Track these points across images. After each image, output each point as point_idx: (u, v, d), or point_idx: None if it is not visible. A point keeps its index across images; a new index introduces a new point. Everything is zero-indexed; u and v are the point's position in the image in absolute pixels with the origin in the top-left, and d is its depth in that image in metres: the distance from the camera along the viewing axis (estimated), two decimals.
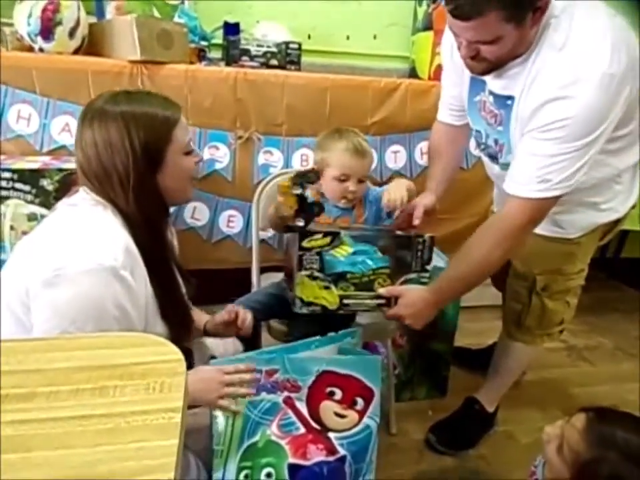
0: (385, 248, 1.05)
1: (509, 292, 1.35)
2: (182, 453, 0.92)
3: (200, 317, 1.11)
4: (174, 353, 0.49)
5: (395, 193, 1.10)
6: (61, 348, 0.49)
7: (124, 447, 0.37)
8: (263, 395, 0.94)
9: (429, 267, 1.08)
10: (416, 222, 1.18)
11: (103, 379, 0.44)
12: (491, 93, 1.06)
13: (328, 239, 1.01)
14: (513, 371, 1.44)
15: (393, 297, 1.07)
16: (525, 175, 0.97)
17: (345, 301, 1.05)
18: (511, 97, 1.00)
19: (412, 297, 1.06)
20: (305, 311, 1.04)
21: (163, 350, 0.49)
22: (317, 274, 1.02)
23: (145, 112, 0.81)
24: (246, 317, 1.06)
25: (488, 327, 1.99)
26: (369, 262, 1.04)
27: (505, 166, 1.10)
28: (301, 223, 1.03)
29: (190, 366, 1.04)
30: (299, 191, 1.03)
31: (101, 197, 0.81)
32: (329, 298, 1.04)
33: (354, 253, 1.03)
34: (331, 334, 1.03)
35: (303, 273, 1.02)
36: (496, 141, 1.12)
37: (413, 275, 1.08)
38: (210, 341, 1.13)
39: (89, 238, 0.75)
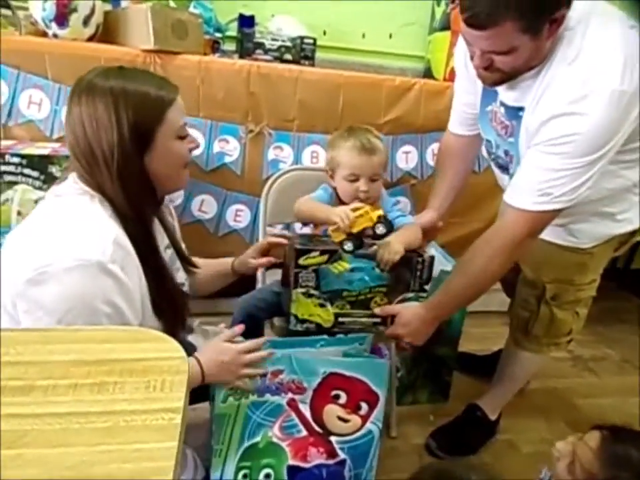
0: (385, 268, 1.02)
1: (518, 299, 1.32)
2: (182, 451, 0.92)
3: (222, 263, 1.14)
4: (176, 350, 0.47)
5: (389, 254, 1.00)
6: (61, 340, 0.48)
7: (122, 448, 0.36)
8: (267, 396, 0.92)
9: (427, 287, 1.06)
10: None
11: (102, 375, 0.43)
12: (502, 104, 1.04)
13: (325, 257, 0.99)
14: (517, 379, 1.42)
15: (389, 316, 1.05)
16: (526, 187, 0.95)
17: (341, 319, 1.04)
18: (522, 109, 0.98)
19: (407, 315, 1.04)
20: (299, 328, 1.04)
21: (165, 346, 0.48)
22: (312, 291, 1.01)
23: (136, 89, 0.76)
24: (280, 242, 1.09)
25: (494, 332, 1.96)
26: (366, 279, 1.02)
27: None
28: (349, 247, 1.00)
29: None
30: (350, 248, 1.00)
31: (89, 184, 0.77)
32: (324, 316, 1.04)
33: (351, 270, 1.01)
34: (340, 335, 1.02)
35: (299, 290, 1.01)
36: (506, 152, 1.10)
37: (411, 295, 1.06)
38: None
39: (75, 232, 0.72)
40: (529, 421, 1.55)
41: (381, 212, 1.03)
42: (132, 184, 0.77)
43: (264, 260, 1.10)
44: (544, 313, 1.26)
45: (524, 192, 0.95)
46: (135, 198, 0.78)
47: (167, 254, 0.94)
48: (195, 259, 1.13)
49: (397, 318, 1.05)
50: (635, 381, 1.81)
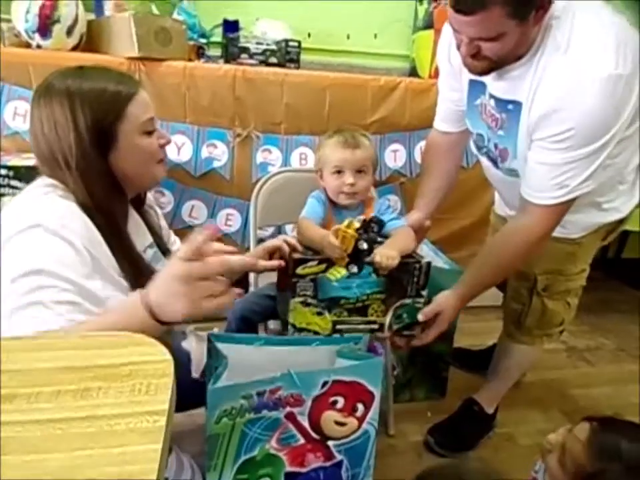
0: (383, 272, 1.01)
1: (510, 292, 1.33)
2: (177, 455, 0.91)
3: None
4: (162, 353, 0.47)
5: (387, 259, 0.98)
6: (47, 347, 0.48)
7: (105, 452, 0.36)
8: (264, 412, 0.91)
9: (423, 293, 1.05)
10: None
11: (87, 380, 0.43)
12: (491, 96, 1.04)
13: (323, 266, 0.98)
14: (512, 372, 1.43)
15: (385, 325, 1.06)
16: (543, 184, 0.96)
17: (338, 327, 1.04)
18: (514, 102, 0.98)
19: (449, 310, 1.07)
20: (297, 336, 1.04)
21: (150, 350, 0.48)
22: (310, 300, 1.00)
23: (92, 86, 0.75)
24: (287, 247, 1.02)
25: (488, 327, 1.97)
26: (363, 287, 1.02)
27: (510, 172, 1.09)
28: (355, 270, 1.00)
29: (183, 363, 1.05)
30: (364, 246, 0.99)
31: (54, 181, 0.76)
32: (322, 324, 1.03)
33: (348, 277, 1.01)
34: (335, 335, 1.02)
35: (297, 299, 1.00)
36: (496, 145, 1.10)
37: (408, 301, 1.05)
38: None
39: (29, 206, 0.72)
40: (526, 413, 1.55)
41: (355, 225, 1.00)
42: (95, 183, 0.76)
43: (275, 262, 1.04)
44: (536, 304, 1.27)
45: (543, 189, 0.97)
46: (100, 196, 0.76)
47: (149, 253, 0.93)
48: None
49: (440, 315, 1.06)
50: (631, 369, 1.82)
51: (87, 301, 0.69)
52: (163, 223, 1.06)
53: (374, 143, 1.66)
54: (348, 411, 0.98)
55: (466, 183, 1.84)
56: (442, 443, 1.38)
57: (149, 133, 0.81)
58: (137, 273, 0.81)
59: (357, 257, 1.00)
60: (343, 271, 1.00)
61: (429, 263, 1.04)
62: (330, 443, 0.98)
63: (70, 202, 0.74)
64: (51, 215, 0.71)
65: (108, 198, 0.78)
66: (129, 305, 0.64)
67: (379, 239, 1.04)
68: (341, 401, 0.96)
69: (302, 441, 0.95)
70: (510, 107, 0.99)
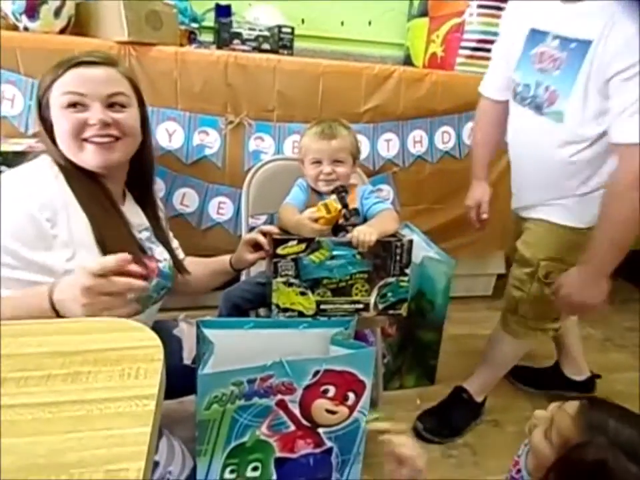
0: (365, 252, 1.03)
1: (512, 279, 1.35)
2: (168, 439, 0.92)
3: (219, 261, 1.15)
4: (151, 338, 0.47)
5: (364, 235, 1.01)
6: (35, 333, 0.48)
7: (94, 435, 0.36)
8: (255, 399, 0.92)
9: (407, 271, 1.07)
10: (484, 216, 1.39)
11: (77, 365, 0.43)
12: (556, 37, 1.09)
13: (303, 246, 1.00)
14: (503, 363, 1.45)
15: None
16: (630, 120, 0.98)
17: (323, 306, 1.05)
18: (580, 41, 1.03)
19: (566, 285, 1.13)
20: (281, 317, 1.04)
21: (140, 335, 0.48)
22: (292, 280, 1.02)
23: (42, 77, 0.82)
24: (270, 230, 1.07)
25: (477, 317, 2.00)
26: (347, 267, 1.03)
27: (555, 115, 1.11)
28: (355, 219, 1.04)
29: (175, 350, 1.06)
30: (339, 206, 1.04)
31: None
32: (305, 304, 1.04)
33: (332, 257, 1.02)
34: (323, 319, 1.02)
35: (279, 279, 1.01)
36: (547, 88, 1.12)
37: (392, 279, 1.06)
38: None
39: (9, 175, 0.79)
40: (513, 401, 1.58)
41: (333, 203, 1.04)
42: (57, 155, 0.82)
43: (261, 254, 1.10)
44: (535, 291, 1.28)
45: (630, 126, 0.99)
46: (63, 168, 0.82)
47: (143, 235, 0.95)
48: (191, 258, 1.15)
49: (560, 291, 1.13)
50: (617, 358, 1.86)
51: (37, 273, 0.73)
52: (162, 214, 1.07)
53: (365, 132, 1.67)
54: (339, 399, 0.99)
55: (457, 173, 1.84)
56: (431, 429, 1.40)
57: (72, 106, 0.80)
58: (120, 239, 0.84)
59: (337, 231, 1.04)
60: (327, 253, 1.01)
61: (410, 241, 1.05)
62: (320, 430, 0.99)
63: (48, 170, 0.81)
64: (22, 184, 0.77)
65: (67, 172, 0.82)
66: (36, 293, 0.67)
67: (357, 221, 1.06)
68: (332, 390, 0.97)
69: (292, 427, 0.96)
70: (573, 45, 1.04)
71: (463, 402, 1.46)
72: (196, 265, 1.14)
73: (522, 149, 1.27)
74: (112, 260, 0.63)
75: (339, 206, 1.04)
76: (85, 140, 0.81)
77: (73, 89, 0.79)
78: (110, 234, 0.82)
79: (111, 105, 0.83)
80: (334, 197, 1.07)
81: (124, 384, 0.41)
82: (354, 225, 1.05)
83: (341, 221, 1.06)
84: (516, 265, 1.33)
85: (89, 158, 0.82)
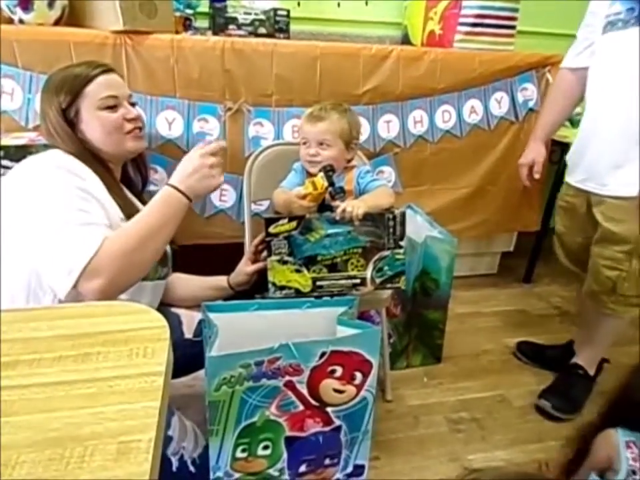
0: (359, 228, 1.04)
1: (601, 261, 1.32)
2: (181, 421, 0.94)
3: (217, 279, 1.19)
4: (158, 319, 0.49)
5: (352, 207, 1.03)
6: (44, 317, 0.49)
7: (106, 410, 0.37)
8: (263, 381, 0.93)
9: (402, 243, 1.08)
10: (537, 176, 1.46)
11: (86, 346, 0.44)
12: None
13: (294, 224, 1.02)
14: (609, 339, 1.46)
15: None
16: None
17: (319, 283, 1.06)
18: None
19: None
20: (278, 294, 1.06)
21: (146, 317, 0.49)
22: (286, 258, 1.03)
23: (61, 76, 0.96)
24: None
25: (481, 295, 2.01)
26: (341, 243, 1.05)
27: None
28: (339, 198, 1.06)
29: (175, 326, 1.09)
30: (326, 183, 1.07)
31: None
32: (301, 281, 1.06)
33: (327, 236, 1.03)
34: (326, 298, 1.04)
35: (273, 258, 1.03)
36: None
37: (387, 252, 1.07)
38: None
39: (33, 159, 0.90)
40: (519, 377, 1.60)
41: (320, 180, 1.06)
42: (75, 151, 0.93)
43: (258, 265, 1.14)
44: (636, 267, 1.26)
45: None
46: (82, 159, 0.93)
47: None
48: (186, 276, 1.21)
49: None
50: (630, 332, 1.85)
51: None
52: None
53: (365, 114, 1.66)
54: (346, 379, 1.00)
55: (459, 152, 1.84)
56: (558, 407, 1.42)
57: (110, 108, 0.97)
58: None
59: (324, 209, 1.07)
60: (322, 232, 1.02)
61: (403, 213, 1.06)
62: (329, 409, 1.00)
63: (66, 156, 0.92)
64: (49, 165, 0.88)
65: (87, 161, 0.94)
66: (160, 199, 0.89)
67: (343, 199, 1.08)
68: (339, 370, 0.98)
69: (301, 407, 0.98)
70: None
71: (579, 377, 1.48)
72: (188, 280, 1.21)
73: (616, 83, 1.24)
74: (215, 144, 0.94)
75: (326, 183, 1.06)
76: (127, 132, 0.99)
77: (109, 92, 0.96)
78: (129, 211, 0.95)
79: (131, 104, 1.03)
80: (321, 174, 1.08)
81: (132, 362, 0.43)
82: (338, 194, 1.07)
83: (327, 198, 1.08)
84: (603, 243, 1.31)
85: (131, 146, 1.01)
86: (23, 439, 0.35)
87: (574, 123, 1.81)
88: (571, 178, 1.41)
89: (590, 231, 1.36)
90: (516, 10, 1.75)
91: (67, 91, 0.94)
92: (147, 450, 0.33)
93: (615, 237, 1.27)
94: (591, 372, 1.49)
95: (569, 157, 1.42)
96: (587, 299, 1.42)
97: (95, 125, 0.96)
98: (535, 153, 1.47)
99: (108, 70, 0.99)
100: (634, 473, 0.85)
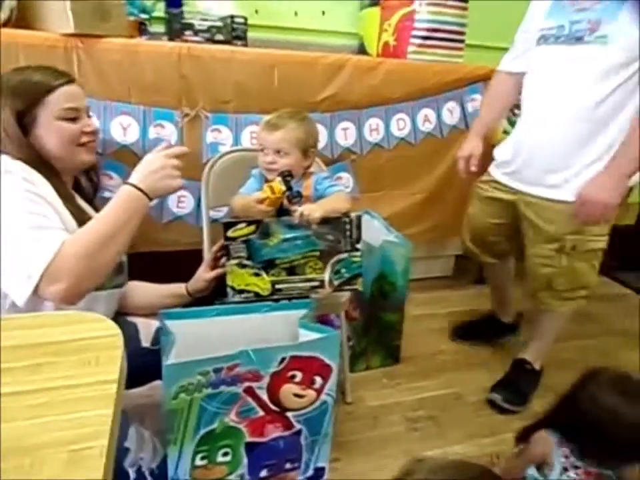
0: (316, 231, 1.07)
1: (537, 260, 1.42)
2: (138, 431, 0.93)
3: (175, 286, 1.18)
4: (111, 328, 0.49)
5: (308, 211, 1.06)
6: None
7: (57, 419, 0.37)
8: (222, 387, 0.93)
9: (359, 246, 1.11)
10: (473, 169, 1.49)
11: (38, 357, 0.44)
12: None
13: (253, 227, 1.03)
14: (552, 333, 1.56)
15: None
16: None
17: (278, 286, 1.08)
18: None
19: (594, 183, 1.24)
20: (237, 298, 1.07)
21: (100, 326, 0.49)
22: (245, 262, 1.05)
23: (19, 80, 0.94)
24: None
25: (437, 297, 2.08)
26: (299, 247, 1.07)
27: (599, 39, 1.19)
28: (297, 202, 1.08)
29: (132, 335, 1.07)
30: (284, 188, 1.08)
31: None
32: (261, 284, 1.07)
33: (285, 240, 1.05)
34: (284, 302, 1.05)
35: (232, 262, 1.04)
36: (588, 21, 1.21)
37: (344, 255, 1.10)
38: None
39: None
40: (472, 375, 1.67)
41: (278, 185, 1.09)
42: (26, 157, 0.91)
43: (218, 271, 1.14)
44: (566, 265, 1.37)
45: None
46: (32, 165, 0.91)
47: None
48: (143, 284, 1.20)
49: (579, 206, 1.26)
50: (569, 328, 1.97)
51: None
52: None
53: (323, 121, 1.69)
54: (306, 383, 1.01)
55: (413, 159, 1.90)
56: (508, 399, 1.50)
57: (70, 120, 0.97)
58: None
59: (282, 214, 1.08)
60: (280, 236, 1.04)
61: (359, 217, 1.09)
62: (289, 413, 1.01)
63: (16, 162, 0.89)
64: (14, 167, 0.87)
65: (40, 170, 0.92)
66: (120, 197, 0.88)
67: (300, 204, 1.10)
68: (299, 375, 0.99)
69: (261, 412, 0.98)
70: None
71: (527, 372, 1.56)
72: (145, 287, 1.20)
73: (548, 95, 1.33)
74: (179, 147, 1.03)
75: (284, 187, 1.08)
76: (82, 144, 0.99)
77: (71, 104, 0.96)
78: (82, 218, 0.93)
79: (88, 116, 1.04)
80: (279, 179, 1.10)
81: (84, 371, 0.43)
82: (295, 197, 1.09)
83: (285, 202, 1.09)
84: (536, 243, 1.41)
85: (84, 158, 1.01)
86: None
87: (512, 123, 1.92)
88: (499, 173, 1.52)
89: (506, 223, 1.52)
90: (464, 25, 1.83)
91: (25, 96, 0.92)
92: (99, 455, 0.34)
93: (545, 235, 1.38)
94: (537, 366, 1.58)
95: (499, 153, 1.53)
96: (529, 298, 1.53)
97: (52, 134, 0.95)
98: (472, 147, 1.52)
99: (70, 80, 0.99)
100: (566, 469, 0.92)
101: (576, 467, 0.92)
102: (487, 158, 1.55)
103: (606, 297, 2.19)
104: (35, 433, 0.36)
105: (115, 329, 0.49)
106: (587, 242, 1.35)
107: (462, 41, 1.86)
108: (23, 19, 1.44)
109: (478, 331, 1.85)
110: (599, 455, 0.90)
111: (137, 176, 0.91)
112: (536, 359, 1.58)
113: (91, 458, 0.34)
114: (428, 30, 1.78)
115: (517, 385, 1.55)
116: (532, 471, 0.98)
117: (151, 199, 0.91)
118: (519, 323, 1.86)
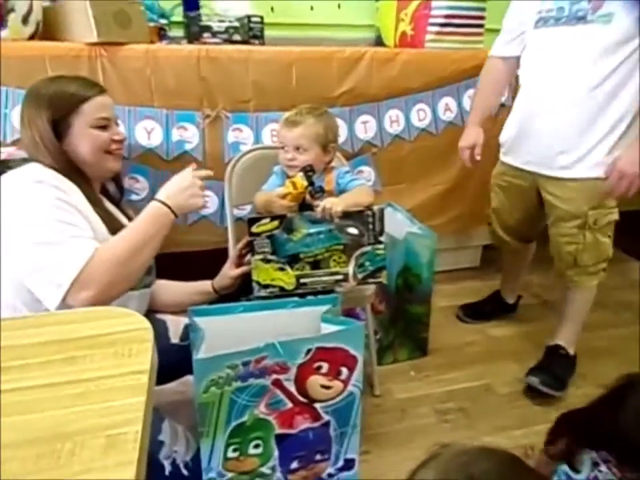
0: (340, 226, 1.08)
1: (559, 239, 1.44)
2: (171, 425, 0.96)
3: (202, 284, 1.21)
4: (141, 322, 0.51)
5: (331, 204, 1.07)
6: (32, 325, 0.51)
7: (93, 407, 0.39)
8: (251, 380, 0.95)
9: (382, 239, 1.11)
10: (477, 158, 1.48)
11: (72, 350, 0.46)
12: None
13: (276, 223, 1.05)
14: (582, 313, 1.55)
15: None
16: None
17: (303, 280, 1.09)
18: None
19: (626, 154, 1.23)
20: (263, 293, 1.08)
21: (130, 320, 0.51)
22: (270, 257, 1.06)
23: (55, 90, 0.98)
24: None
25: (464, 288, 2.05)
26: (322, 241, 1.08)
27: (602, 17, 1.19)
28: (319, 197, 1.09)
29: (162, 332, 1.10)
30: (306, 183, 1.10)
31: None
32: (285, 278, 1.08)
33: (309, 234, 1.06)
34: (310, 297, 1.06)
35: (256, 257, 1.06)
36: (589, 1, 1.20)
37: (367, 248, 1.11)
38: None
39: (14, 174, 0.90)
40: (503, 365, 1.64)
41: (300, 180, 1.10)
42: (58, 163, 0.95)
43: (243, 268, 1.16)
44: (590, 239, 1.39)
45: None
46: (64, 172, 0.94)
47: None
48: (171, 282, 1.23)
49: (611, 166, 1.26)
50: (599, 316, 1.91)
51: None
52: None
53: (342, 115, 1.69)
54: (332, 374, 1.02)
55: (435, 149, 1.88)
56: (548, 383, 1.48)
57: (102, 128, 1.01)
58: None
59: (305, 209, 1.10)
60: (304, 231, 1.05)
61: (381, 209, 1.09)
62: (317, 405, 1.02)
63: (47, 170, 0.93)
64: (33, 178, 0.90)
65: (69, 176, 0.95)
66: (149, 213, 0.93)
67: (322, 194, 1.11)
68: (325, 366, 1.00)
69: (290, 404, 0.99)
70: None
71: (561, 357, 1.55)
72: (173, 286, 1.23)
73: (551, 77, 1.32)
74: (206, 171, 1.04)
75: (305, 182, 1.08)
76: (108, 152, 1.03)
77: (104, 114, 1.01)
78: (112, 224, 0.98)
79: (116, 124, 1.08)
80: (301, 174, 1.11)
81: (117, 363, 0.45)
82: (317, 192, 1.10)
83: (307, 197, 1.10)
84: (558, 222, 1.42)
85: (112, 165, 1.05)
86: (12, 438, 0.36)
87: None
88: (511, 159, 1.52)
89: (531, 207, 1.52)
90: (483, 9, 1.80)
91: (62, 105, 0.96)
92: (134, 440, 0.35)
93: (566, 214, 1.39)
94: (571, 351, 1.55)
95: (505, 139, 1.53)
96: (556, 279, 1.53)
97: (84, 141, 0.99)
98: (474, 136, 1.51)
99: (103, 91, 1.04)
100: (596, 464, 0.88)
101: (606, 461, 0.88)
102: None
103: None
104: (73, 420, 0.38)
105: (145, 323, 0.50)
106: (605, 215, 1.37)
107: (481, 26, 1.82)
108: (48, 31, 1.50)
109: (483, 310, 1.89)
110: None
111: (165, 193, 0.96)
112: (570, 344, 1.55)
113: (126, 442, 0.36)
114: (446, 17, 1.75)
115: (553, 370, 1.51)
116: (563, 466, 0.96)
117: (176, 216, 0.96)
118: (517, 304, 1.92)
